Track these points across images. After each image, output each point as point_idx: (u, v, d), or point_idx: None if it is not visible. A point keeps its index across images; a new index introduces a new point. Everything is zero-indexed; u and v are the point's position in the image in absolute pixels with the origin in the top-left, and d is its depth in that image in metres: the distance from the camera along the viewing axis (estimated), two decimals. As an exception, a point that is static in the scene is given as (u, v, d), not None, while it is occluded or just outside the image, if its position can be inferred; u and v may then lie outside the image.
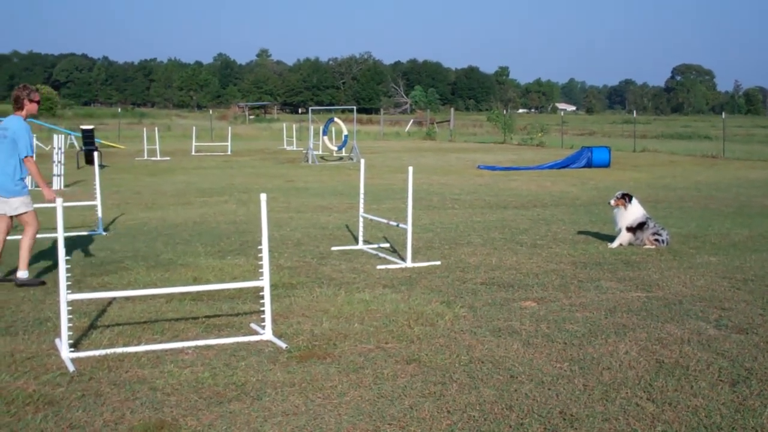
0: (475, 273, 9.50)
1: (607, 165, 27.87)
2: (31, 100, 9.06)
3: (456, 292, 8.52)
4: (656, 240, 11.26)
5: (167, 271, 9.51)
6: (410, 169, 10.16)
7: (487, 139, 51.79)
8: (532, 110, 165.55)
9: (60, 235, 6.30)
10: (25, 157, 8.92)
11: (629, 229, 11.32)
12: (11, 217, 9.06)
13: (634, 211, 11.37)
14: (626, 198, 11.44)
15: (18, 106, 9.02)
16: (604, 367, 6.00)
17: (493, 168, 27.06)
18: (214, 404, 5.26)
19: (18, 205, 8.98)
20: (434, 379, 5.74)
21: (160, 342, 6.64)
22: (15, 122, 8.94)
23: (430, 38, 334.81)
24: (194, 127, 42.44)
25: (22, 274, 8.87)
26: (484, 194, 18.67)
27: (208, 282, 8.84)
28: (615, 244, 11.33)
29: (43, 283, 8.84)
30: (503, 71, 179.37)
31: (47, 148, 32.90)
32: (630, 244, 11.34)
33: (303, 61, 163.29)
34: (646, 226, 11.31)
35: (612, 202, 11.59)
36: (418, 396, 5.43)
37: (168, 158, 32.78)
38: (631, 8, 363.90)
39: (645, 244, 11.25)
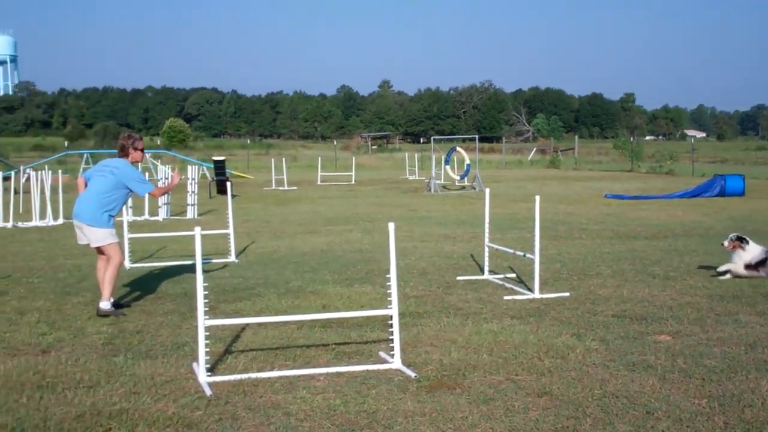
0: (605, 305, 9.30)
1: (741, 193, 26.86)
2: (135, 149, 9.38)
3: (587, 324, 8.36)
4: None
5: (297, 298, 9.70)
6: (537, 198, 10.07)
7: (613, 167, 50.77)
8: (660, 137, 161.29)
9: (198, 263, 6.53)
10: (150, 192, 9.61)
11: (747, 267, 10.83)
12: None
13: (752, 250, 10.86)
14: (741, 241, 10.91)
15: (123, 154, 9.36)
16: (745, 404, 5.76)
17: (620, 197, 26.49)
18: (346, 431, 5.32)
19: (103, 236, 9.08)
20: (567, 413, 5.64)
21: (293, 368, 6.77)
22: (124, 164, 9.30)
23: (552, 65, 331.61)
24: (319, 158, 43.27)
25: (104, 304, 8.89)
26: (612, 224, 18.29)
27: (336, 309, 8.97)
28: (723, 268, 10.94)
29: (124, 314, 8.87)
30: (629, 97, 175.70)
31: (182, 178, 34.18)
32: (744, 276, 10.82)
33: (424, 91, 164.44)
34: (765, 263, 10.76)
35: (726, 244, 11.04)
36: (551, 430, 5.34)
37: (295, 188, 33.51)
38: (764, 30, 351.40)
39: None
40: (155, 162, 36.51)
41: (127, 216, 13.39)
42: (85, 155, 46.99)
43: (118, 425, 5.40)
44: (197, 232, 6.64)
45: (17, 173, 25.66)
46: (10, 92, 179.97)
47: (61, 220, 20.05)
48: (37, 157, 57.97)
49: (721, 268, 10.97)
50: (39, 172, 21.30)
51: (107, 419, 5.51)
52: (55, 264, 12.80)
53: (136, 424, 5.43)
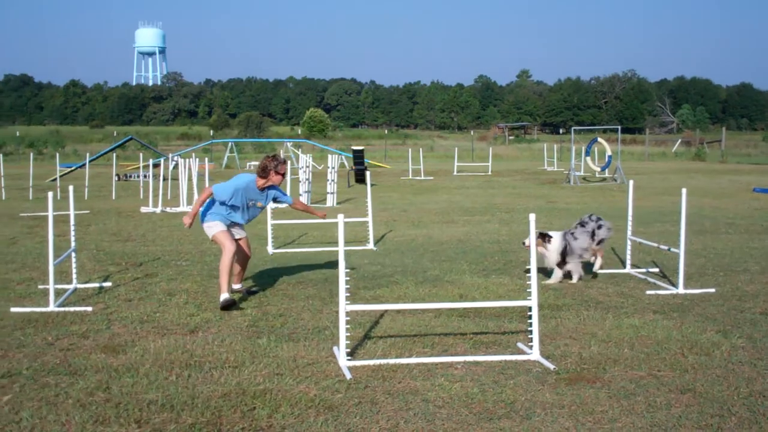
0: (753, 302, 8.93)
1: None
2: (277, 173, 9.34)
3: (733, 321, 8.05)
4: (599, 244, 10.18)
5: (434, 287, 9.75)
6: (683, 191, 9.75)
7: (763, 161, 48.56)
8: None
9: (341, 249, 6.66)
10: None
11: (559, 264, 10.03)
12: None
13: (555, 243, 9.97)
14: (544, 238, 10.01)
15: (264, 175, 9.35)
16: None
17: (770, 191, 25.30)
18: (484, 420, 5.32)
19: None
20: (711, 411, 5.47)
21: (431, 355, 6.82)
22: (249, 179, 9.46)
23: (699, 54, 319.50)
24: (456, 148, 43.21)
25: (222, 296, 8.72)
26: (761, 219, 17.50)
27: (473, 299, 8.97)
28: (552, 281, 10.06)
29: (235, 303, 8.73)
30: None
31: (320, 168, 34.86)
32: (577, 275, 10.09)
33: (564, 80, 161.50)
34: (569, 248, 9.95)
35: (526, 243, 9.91)
36: (694, 427, 5.19)
37: (431, 178, 33.60)
38: None
39: (595, 259, 10.28)
40: (296, 151, 37.35)
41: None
42: (229, 144, 48.56)
43: (261, 405, 5.59)
44: (340, 219, 6.77)
45: (166, 161, 26.78)
46: (159, 83, 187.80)
47: (207, 206, 20.78)
48: (183, 146, 60.32)
49: (549, 281, 10.09)
50: (186, 160, 22.14)
51: (251, 399, 5.71)
52: (202, 248, 13.29)
53: (279, 404, 5.60)
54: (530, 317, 6.85)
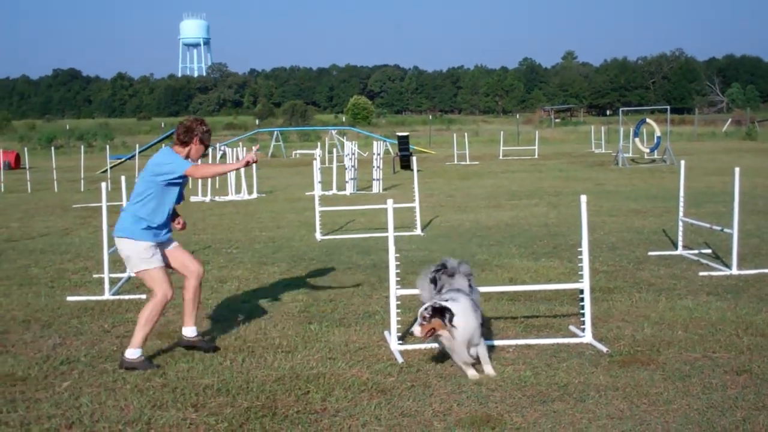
0: (810, 282, 8.79)
1: None
2: (202, 142, 6.70)
3: (789, 301, 7.94)
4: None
5: (483, 271, 9.73)
6: (736, 170, 9.60)
7: (817, 139, 47.54)
8: None
9: (390, 235, 6.69)
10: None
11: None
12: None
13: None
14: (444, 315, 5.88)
15: (186, 139, 6.63)
16: None
17: (825, 170, 24.77)
18: (537, 402, 5.32)
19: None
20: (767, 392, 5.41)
21: (482, 339, 6.81)
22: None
23: (749, 32, 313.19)
24: (501, 132, 42.95)
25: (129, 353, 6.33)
26: (816, 198, 17.16)
27: (523, 283, 8.94)
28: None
29: (217, 348, 6.76)
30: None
31: (365, 155, 34.89)
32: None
33: (610, 61, 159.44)
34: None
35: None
36: (751, 408, 5.13)
37: (477, 162, 33.47)
38: None
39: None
40: (341, 138, 37.43)
41: (317, 190, 13.82)
42: (275, 133, 48.84)
43: (315, 388, 5.64)
44: (389, 204, 6.79)
45: (213, 150, 27.00)
46: (204, 74, 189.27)
47: (254, 195, 21.01)
48: (230, 136, 60.72)
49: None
50: (233, 149, 22.33)
51: (305, 382, 5.76)
52: (251, 236, 13.42)
53: (333, 388, 5.65)
54: (582, 300, 6.82)
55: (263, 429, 4.94)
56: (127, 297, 8.79)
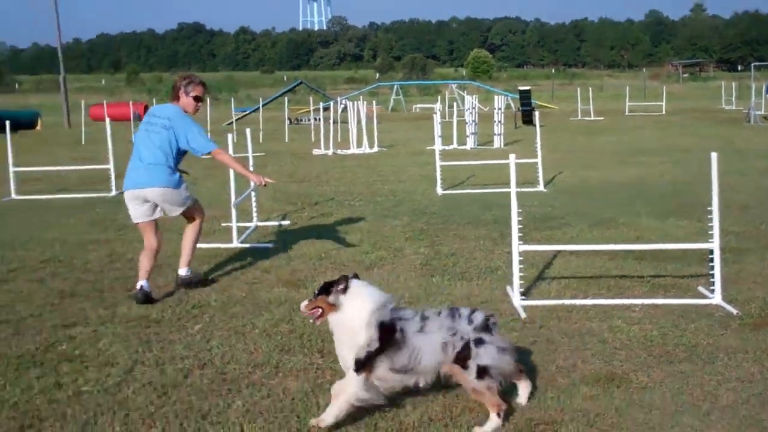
0: None
1: None
2: (187, 94, 7.16)
3: None
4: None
5: (608, 230, 9.56)
6: None
7: None
8: None
9: (513, 191, 6.65)
10: (211, 152, 7.15)
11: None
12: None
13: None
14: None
15: (174, 96, 7.26)
16: None
17: None
18: (664, 363, 5.23)
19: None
20: None
21: (606, 297, 6.72)
22: (176, 112, 7.15)
23: None
24: (627, 87, 41.79)
25: (183, 271, 7.39)
26: None
27: (650, 242, 8.74)
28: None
29: (212, 281, 7.53)
30: None
31: (485, 109, 34.60)
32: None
33: (741, 14, 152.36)
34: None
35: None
36: None
37: (601, 118, 32.72)
38: None
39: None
40: (461, 93, 37.18)
41: (437, 145, 13.81)
42: (395, 87, 48.93)
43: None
44: (512, 160, 6.73)
45: (335, 104, 27.29)
46: (325, 27, 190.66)
47: (376, 149, 21.16)
48: (350, 89, 61.20)
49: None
50: (354, 103, 22.50)
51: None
52: (373, 189, 13.55)
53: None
54: (711, 261, 6.62)
55: (388, 377, 5.02)
56: (254, 245, 9.05)
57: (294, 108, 41.03)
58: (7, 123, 14.30)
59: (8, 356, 5.54)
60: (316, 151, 20.84)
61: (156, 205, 7.10)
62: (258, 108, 30.61)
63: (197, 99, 7.23)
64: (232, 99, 35.52)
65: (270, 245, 9.01)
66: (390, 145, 22.43)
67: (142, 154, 7.04)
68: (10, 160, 13.55)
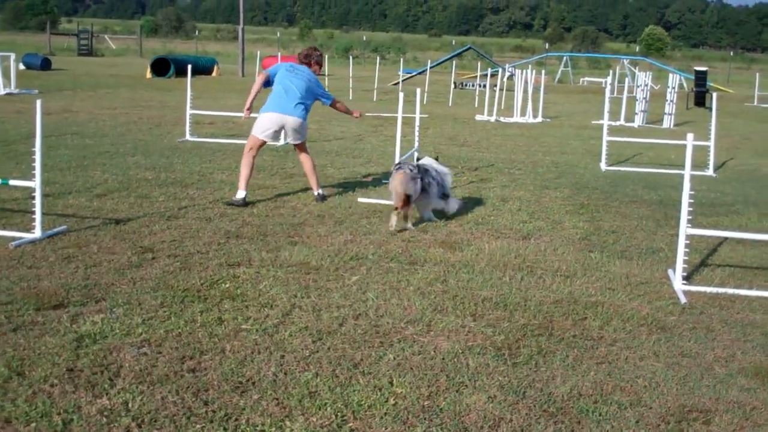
0: None
1: None
2: (317, 63, 9.57)
3: None
4: None
5: (780, 221, 9.10)
6: None
7: None
8: None
9: (687, 172, 6.41)
10: (333, 100, 9.74)
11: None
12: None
13: None
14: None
15: (306, 62, 9.43)
16: None
17: None
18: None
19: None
20: None
21: (774, 290, 6.43)
22: (310, 72, 9.39)
23: None
24: (813, 74, 39.36)
25: (320, 191, 9.35)
26: None
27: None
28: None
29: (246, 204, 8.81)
30: None
31: (656, 87, 33.40)
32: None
33: None
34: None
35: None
36: None
37: (782, 105, 31.04)
38: None
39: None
40: (633, 69, 36.04)
41: (605, 119, 13.46)
42: (564, 58, 47.92)
43: (593, 316, 5.61)
44: (689, 140, 6.48)
45: (502, 71, 27.01)
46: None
47: (539, 119, 20.86)
48: (516, 58, 60.39)
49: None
50: (523, 72, 22.20)
51: (583, 308, 5.74)
52: (534, 159, 13.39)
53: (611, 318, 5.59)
54: None
55: (539, 347, 5.00)
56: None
57: (460, 73, 40.89)
58: (189, 67, 14.91)
59: (175, 289, 5.82)
60: (478, 117, 20.74)
61: (283, 132, 9.41)
62: (425, 70, 30.70)
63: (320, 66, 9.65)
64: (401, 59, 35.73)
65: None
66: (554, 117, 22.06)
67: (289, 91, 9.11)
68: (188, 103, 14.17)
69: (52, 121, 15.03)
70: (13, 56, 23.03)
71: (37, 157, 6.97)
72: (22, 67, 29.33)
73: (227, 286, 5.96)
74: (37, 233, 6.94)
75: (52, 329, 4.91)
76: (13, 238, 6.87)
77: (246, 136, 14.66)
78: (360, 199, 9.29)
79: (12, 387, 4.12)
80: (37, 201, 6.97)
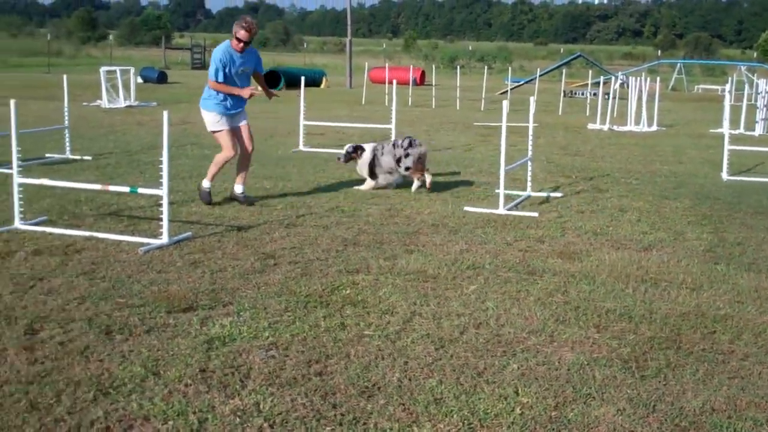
0: None
1: None
2: (236, 30, 8.91)
3: None
4: (407, 169, 10.25)
5: None
6: None
7: None
8: None
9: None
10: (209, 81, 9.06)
11: (371, 175, 10.38)
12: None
13: (365, 156, 10.36)
14: (357, 150, 10.45)
15: (236, 36, 8.96)
16: None
17: None
18: None
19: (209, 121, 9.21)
20: None
21: None
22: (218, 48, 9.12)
23: None
24: None
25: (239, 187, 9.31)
26: None
27: None
28: (363, 187, 10.41)
29: (209, 200, 9.13)
30: None
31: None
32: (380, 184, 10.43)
33: None
34: (377, 163, 10.30)
35: (342, 160, 10.67)
36: None
37: None
38: None
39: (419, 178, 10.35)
40: (750, 76, 34.87)
41: (726, 128, 13.05)
42: (678, 65, 46.76)
43: (722, 329, 5.43)
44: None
45: (614, 79, 26.54)
46: (605, 1, 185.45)
47: (654, 127, 20.39)
48: (626, 65, 59.25)
49: (362, 187, 10.40)
50: (637, 79, 21.75)
51: (711, 322, 5.57)
52: (652, 168, 13.09)
53: (741, 331, 5.40)
54: None
55: (667, 360, 4.87)
56: (521, 213, 9.05)
57: (570, 81, 40.38)
58: (302, 80, 15.21)
59: (297, 294, 5.93)
60: (590, 126, 20.43)
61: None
62: (533, 79, 30.45)
63: (239, 40, 8.89)
64: (509, 68, 35.48)
65: (536, 215, 8.97)
66: (669, 125, 21.53)
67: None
68: (302, 115, 14.42)
69: (172, 132, 15.40)
70: (132, 70, 23.93)
71: (165, 166, 7.21)
72: (139, 80, 30.43)
73: (348, 292, 6.03)
74: (165, 239, 7.18)
75: (183, 331, 5.07)
76: (142, 244, 7.13)
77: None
78: (466, 208, 9.26)
79: (149, 386, 4.27)
80: (165, 208, 7.21)
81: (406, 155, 10.17)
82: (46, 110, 19.55)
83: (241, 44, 8.89)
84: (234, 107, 9.13)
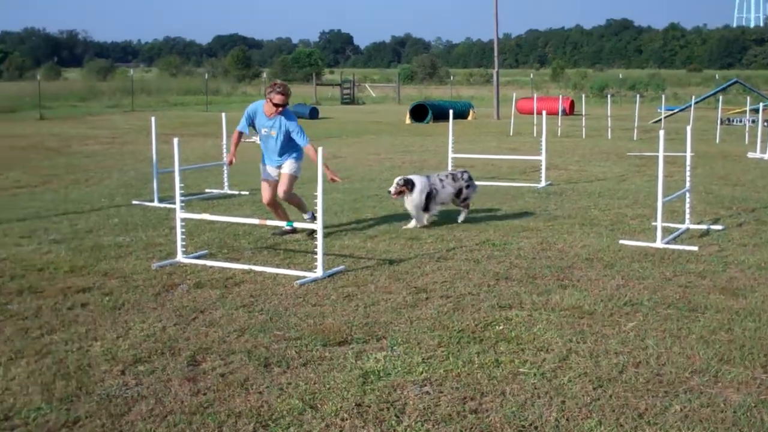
0: None
1: None
2: (269, 96, 9.06)
3: None
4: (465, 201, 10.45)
5: None
6: None
7: None
8: None
9: None
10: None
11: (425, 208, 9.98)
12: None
13: (420, 190, 9.83)
14: (408, 184, 9.83)
15: (268, 98, 9.13)
16: None
17: None
18: None
19: None
20: None
21: None
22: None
23: None
24: None
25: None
26: None
27: None
28: (410, 225, 9.95)
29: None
30: None
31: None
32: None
33: None
34: (434, 195, 9.99)
35: (392, 190, 9.91)
36: None
37: None
38: None
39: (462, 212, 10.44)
40: None
41: None
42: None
43: None
44: None
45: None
46: (761, 24, 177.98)
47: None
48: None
49: (409, 226, 9.95)
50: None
51: None
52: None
53: None
54: None
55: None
56: (679, 247, 8.73)
57: (726, 108, 38.88)
58: (450, 113, 15.29)
59: (450, 329, 5.92)
60: (750, 155, 19.54)
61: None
62: (688, 106, 29.48)
63: (275, 104, 9.06)
64: (663, 96, 34.43)
65: (695, 248, 8.63)
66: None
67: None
68: (450, 147, 14.47)
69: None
70: (286, 106, 24.65)
71: (319, 201, 7.38)
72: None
73: (501, 328, 5.98)
74: (319, 272, 7.34)
75: (339, 365, 5.15)
76: (298, 277, 7.31)
77: (504, 178, 14.85)
78: (621, 241, 9.02)
79: (306, 419, 4.34)
80: (319, 242, 7.38)
81: (467, 186, 10.36)
82: (205, 147, 20.43)
83: (274, 108, 9.07)
84: (264, 161, 9.46)
